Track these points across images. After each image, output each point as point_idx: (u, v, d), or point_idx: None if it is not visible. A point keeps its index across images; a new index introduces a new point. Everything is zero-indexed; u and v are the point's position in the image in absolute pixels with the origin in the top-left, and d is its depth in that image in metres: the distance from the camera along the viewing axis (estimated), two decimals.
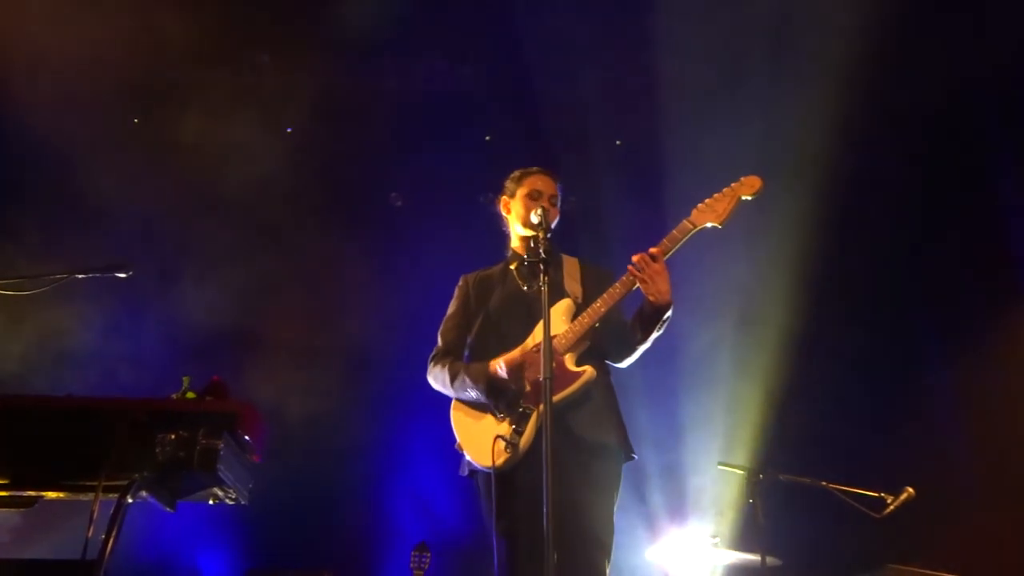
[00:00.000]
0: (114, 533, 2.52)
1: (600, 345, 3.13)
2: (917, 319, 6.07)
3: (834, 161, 5.81)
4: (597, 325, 3.04)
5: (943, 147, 5.87)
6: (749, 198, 3.07)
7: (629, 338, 3.10)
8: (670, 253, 3.02)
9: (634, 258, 2.97)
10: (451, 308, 3.39)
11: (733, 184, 3.11)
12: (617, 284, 3.04)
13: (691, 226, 3.06)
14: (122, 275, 3.66)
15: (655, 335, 3.07)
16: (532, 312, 3.04)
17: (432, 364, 3.26)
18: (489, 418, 3.02)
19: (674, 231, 3.06)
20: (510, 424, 2.91)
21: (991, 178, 5.94)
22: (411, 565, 5.18)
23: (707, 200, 3.11)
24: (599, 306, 3.01)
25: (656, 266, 2.95)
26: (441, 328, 3.36)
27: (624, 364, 3.22)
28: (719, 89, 5.89)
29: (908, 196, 6.01)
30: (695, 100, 5.93)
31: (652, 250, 2.99)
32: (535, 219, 3.04)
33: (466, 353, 3.28)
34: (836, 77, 5.66)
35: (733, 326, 6.03)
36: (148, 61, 5.84)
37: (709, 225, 3.06)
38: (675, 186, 6.14)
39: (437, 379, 3.21)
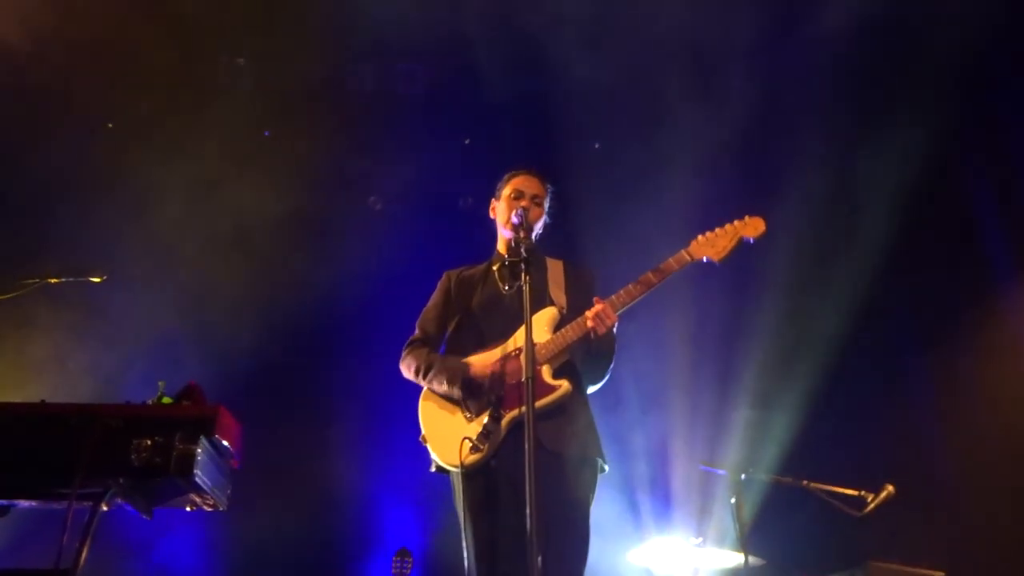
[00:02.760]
0: (88, 541, 2.49)
1: (578, 362, 3.10)
2: (895, 320, 6.11)
3: (815, 165, 5.86)
4: (574, 343, 3.00)
5: (921, 146, 5.93)
6: (751, 239, 3.07)
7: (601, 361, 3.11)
8: (663, 281, 3.01)
9: (595, 309, 2.95)
10: (431, 300, 3.39)
11: (736, 222, 3.10)
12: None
13: (688, 258, 3.06)
14: (96, 280, 3.62)
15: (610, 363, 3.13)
16: (512, 314, 3.01)
17: (407, 352, 3.24)
18: (459, 416, 2.99)
19: (671, 260, 3.05)
20: (480, 426, 2.88)
21: (966, 177, 6.01)
22: (393, 571, 5.14)
23: (708, 233, 3.09)
24: (584, 322, 2.98)
25: (612, 317, 2.96)
26: (420, 318, 3.36)
27: (595, 387, 3.17)
28: (698, 93, 5.90)
29: (884, 194, 6.06)
30: (674, 102, 5.94)
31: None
32: (515, 219, 3.03)
33: (442, 348, 3.27)
34: (814, 83, 5.73)
35: (716, 325, 6.05)
36: (124, 62, 5.78)
37: (706, 259, 3.06)
38: (654, 189, 6.18)
39: (410, 367, 3.18)
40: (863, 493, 3.99)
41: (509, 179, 3.38)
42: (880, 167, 5.94)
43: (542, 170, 3.43)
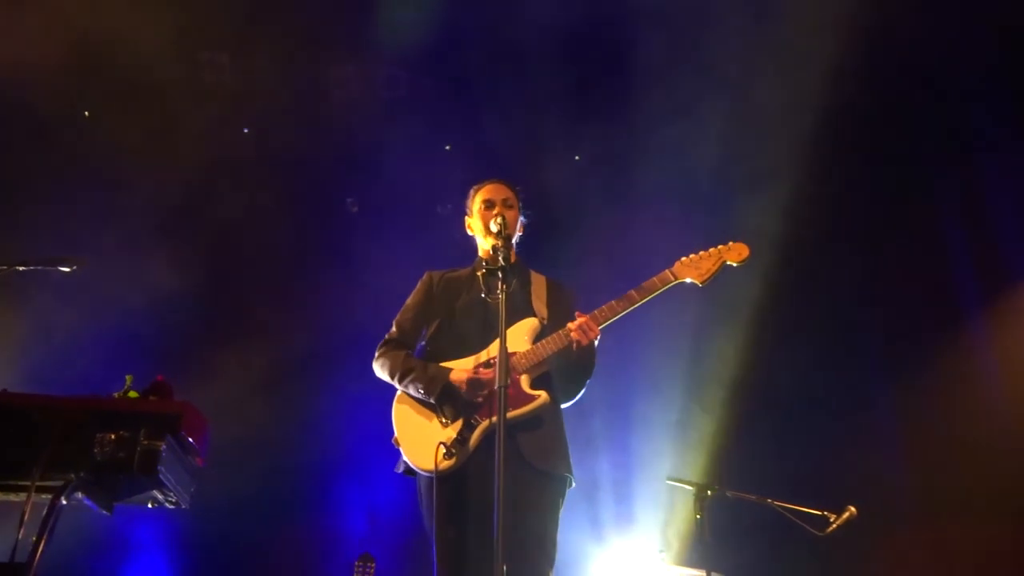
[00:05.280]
0: (45, 535, 2.43)
1: (555, 375, 3.09)
2: (862, 344, 6.19)
3: (783, 185, 5.93)
4: (554, 355, 3.00)
5: (889, 173, 6.02)
6: (734, 264, 3.10)
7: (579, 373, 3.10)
8: (646, 299, 3.03)
9: (579, 321, 2.95)
10: (410, 299, 3.34)
11: (720, 246, 3.14)
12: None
13: (672, 278, 3.09)
14: (66, 269, 3.55)
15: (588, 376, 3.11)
16: (492, 321, 2.99)
17: (382, 351, 3.20)
18: (435, 421, 2.98)
19: (654, 279, 3.08)
20: (455, 432, 2.88)
21: (936, 204, 6.12)
22: None
23: (692, 256, 3.12)
24: (566, 334, 2.98)
25: (595, 330, 2.96)
26: (397, 316, 3.31)
27: (569, 403, 3.16)
28: (680, 105, 5.95)
29: (854, 221, 6.14)
30: (654, 114, 5.99)
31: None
32: (494, 227, 3.05)
33: (419, 347, 3.24)
34: (790, 98, 5.79)
35: (686, 347, 6.08)
36: (105, 57, 5.71)
37: (688, 281, 3.09)
38: (635, 201, 6.21)
39: (385, 367, 3.14)
40: (826, 513, 4.03)
41: (476, 192, 3.40)
42: (849, 196, 6.03)
43: (506, 176, 3.45)
